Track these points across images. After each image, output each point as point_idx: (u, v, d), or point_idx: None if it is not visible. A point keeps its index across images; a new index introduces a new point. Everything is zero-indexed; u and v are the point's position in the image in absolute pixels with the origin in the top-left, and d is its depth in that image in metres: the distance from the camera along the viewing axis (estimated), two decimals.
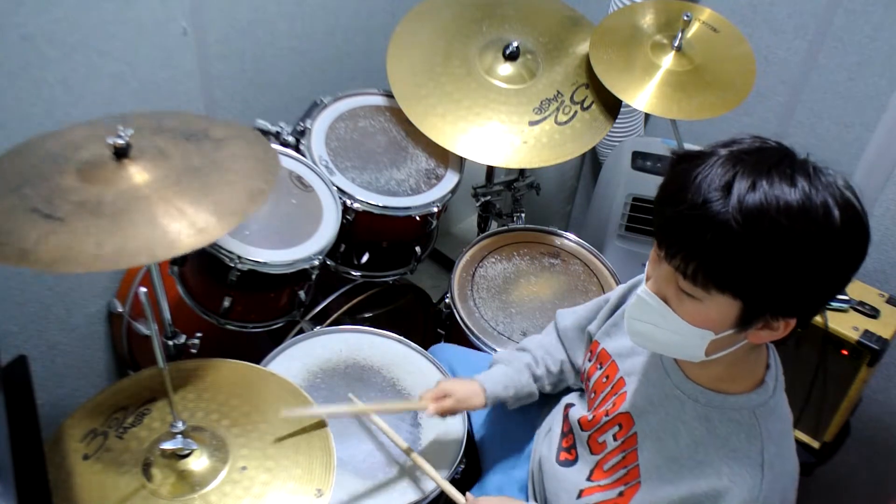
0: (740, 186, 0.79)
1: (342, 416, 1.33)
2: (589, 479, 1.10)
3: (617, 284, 1.72)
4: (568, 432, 1.19)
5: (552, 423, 1.27)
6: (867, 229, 0.83)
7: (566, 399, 1.26)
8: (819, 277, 0.81)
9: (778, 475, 0.93)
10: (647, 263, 0.93)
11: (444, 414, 1.23)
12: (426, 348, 1.52)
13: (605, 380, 1.12)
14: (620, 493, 1.03)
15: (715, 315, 0.86)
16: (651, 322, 0.92)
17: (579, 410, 1.18)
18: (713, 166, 0.81)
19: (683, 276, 0.84)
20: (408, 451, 1.26)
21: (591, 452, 1.11)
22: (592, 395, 1.15)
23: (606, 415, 1.08)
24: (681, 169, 0.84)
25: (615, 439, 1.06)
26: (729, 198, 0.79)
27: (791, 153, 0.83)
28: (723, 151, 0.83)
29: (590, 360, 1.19)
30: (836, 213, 0.79)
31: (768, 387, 0.95)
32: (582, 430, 1.14)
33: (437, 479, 1.21)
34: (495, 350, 1.52)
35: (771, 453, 0.92)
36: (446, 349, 1.55)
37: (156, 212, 0.93)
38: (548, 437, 1.26)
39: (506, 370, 1.28)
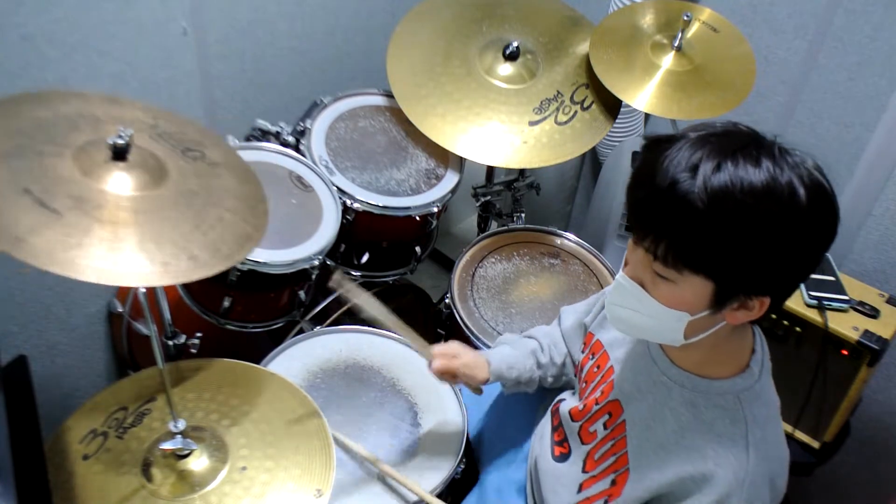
0: (706, 167, 0.80)
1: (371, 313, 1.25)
2: (584, 470, 1.10)
3: None
4: (558, 426, 1.19)
5: (545, 425, 1.27)
6: (835, 209, 0.84)
7: (558, 396, 1.27)
8: (788, 256, 0.83)
9: (763, 458, 0.93)
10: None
11: (445, 373, 1.21)
12: None
13: (596, 369, 1.13)
14: (613, 482, 1.04)
15: (689, 296, 0.88)
16: (629, 307, 0.93)
17: (570, 403, 1.19)
18: (681, 149, 0.83)
19: (654, 257, 0.86)
20: (378, 465, 1.24)
21: (583, 442, 1.11)
22: (584, 384, 1.15)
23: (596, 403, 1.09)
24: (652, 154, 0.86)
25: (605, 427, 1.07)
26: (695, 179, 0.80)
27: (759, 136, 0.85)
28: (692, 135, 0.85)
29: (582, 352, 1.19)
30: (802, 192, 0.80)
31: (753, 372, 0.96)
32: (573, 420, 1.14)
33: (420, 494, 1.21)
34: None
35: (756, 437, 0.93)
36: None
37: (152, 236, 0.92)
38: (541, 437, 1.26)
39: (512, 351, 1.28)
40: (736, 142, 0.83)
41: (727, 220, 0.80)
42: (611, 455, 1.05)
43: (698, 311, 0.89)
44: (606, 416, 1.07)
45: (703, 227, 0.81)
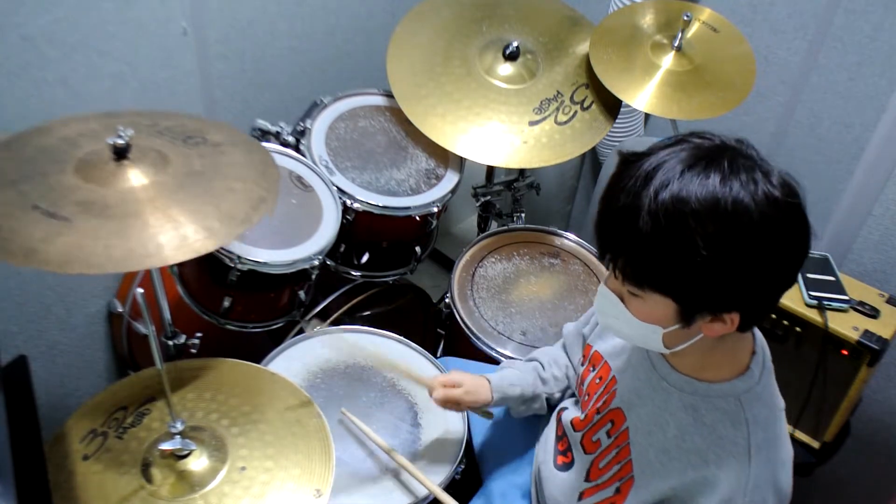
0: (653, 187, 0.81)
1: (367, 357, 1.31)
2: (587, 479, 1.10)
3: None
4: (562, 435, 1.19)
5: (549, 432, 1.27)
6: (799, 225, 0.83)
7: (560, 405, 1.27)
8: (743, 274, 0.81)
9: (766, 461, 0.93)
10: None
11: (448, 402, 1.21)
12: (426, 348, 1.52)
13: (598, 381, 1.13)
14: (617, 490, 1.04)
15: (656, 311, 0.89)
16: (612, 315, 0.95)
17: (572, 412, 1.19)
18: (640, 167, 0.83)
19: (615, 273, 0.88)
20: (395, 457, 1.25)
21: (585, 452, 1.11)
22: (587, 397, 1.15)
23: (598, 412, 1.09)
24: (619, 171, 0.87)
25: (608, 436, 1.07)
26: (643, 199, 0.81)
27: (721, 149, 0.84)
28: (657, 152, 0.85)
29: (582, 364, 1.19)
30: (753, 209, 0.79)
31: (753, 373, 0.96)
32: (574, 430, 1.14)
33: (431, 488, 1.21)
34: (495, 350, 1.52)
35: (758, 439, 0.93)
36: (451, 362, 1.55)
37: (164, 215, 0.93)
38: (545, 444, 1.26)
39: (513, 371, 1.29)
40: (691, 158, 0.82)
41: (671, 241, 0.80)
42: (615, 464, 1.05)
43: (668, 325, 0.90)
44: (609, 425, 1.07)
45: (651, 247, 0.81)
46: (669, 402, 0.98)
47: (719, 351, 0.95)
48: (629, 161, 0.86)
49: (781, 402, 1.00)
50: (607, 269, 0.90)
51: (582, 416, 1.13)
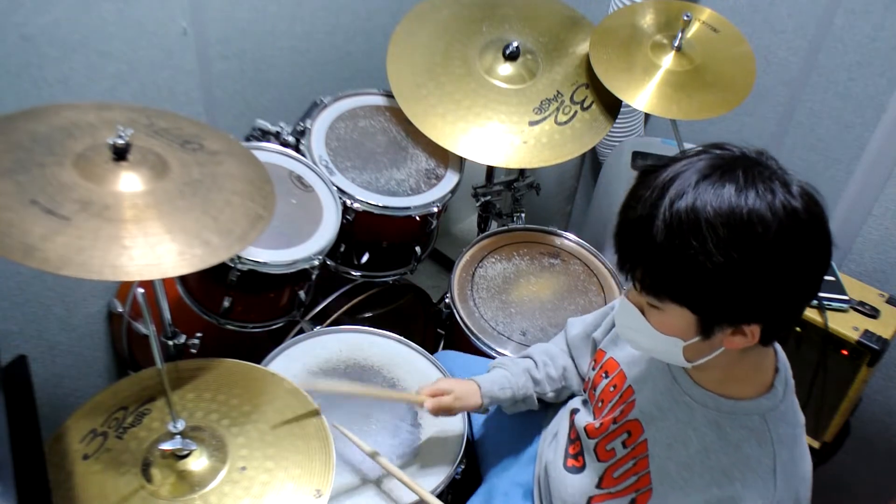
0: (668, 198, 0.80)
1: (339, 393, 1.34)
2: (598, 486, 1.09)
3: (617, 285, 1.72)
4: (575, 439, 1.18)
5: (558, 428, 1.26)
6: (819, 237, 0.81)
7: (571, 404, 1.26)
8: (761, 286, 0.80)
9: (790, 479, 0.93)
10: None
11: (440, 411, 1.23)
12: (426, 348, 1.51)
13: (612, 388, 1.12)
14: (632, 501, 1.03)
15: (677, 323, 0.88)
16: (633, 328, 0.94)
17: (585, 417, 1.17)
18: (657, 178, 0.83)
19: (634, 285, 0.88)
20: (380, 459, 1.24)
21: (599, 460, 1.10)
22: (600, 403, 1.14)
23: (614, 422, 1.08)
24: (637, 183, 0.87)
25: (624, 447, 1.06)
26: (658, 210, 0.81)
27: (740, 160, 0.83)
28: (675, 164, 0.84)
29: (594, 369, 1.18)
30: (770, 219, 0.78)
31: (777, 391, 0.95)
32: (588, 437, 1.13)
33: (421, 494, 1.20)
34: (495, 350, 1.52)
35: (783, 458, 0.92)
36: (449, 356, 1.55)
37: (163, 226, 0.93)
38: (554, 441, 1.25)
39: (504, 373, 1.28)
40: (709, 168, 0.81)
41: (686, 250, 0.79)
42: (632, 475, 1.04)
43: (689, 337, 0.89)
44: (625, 435, 1.06)
45: (666, 257, 0.81)
46: (693, 418, 0.97)
47: (742, 366, 0.94)
48: (647, 172, 0.86)
49: (802, 418, 0.98)
50: (626, 280, 0.89)
51: (597, 425, 1.11)
